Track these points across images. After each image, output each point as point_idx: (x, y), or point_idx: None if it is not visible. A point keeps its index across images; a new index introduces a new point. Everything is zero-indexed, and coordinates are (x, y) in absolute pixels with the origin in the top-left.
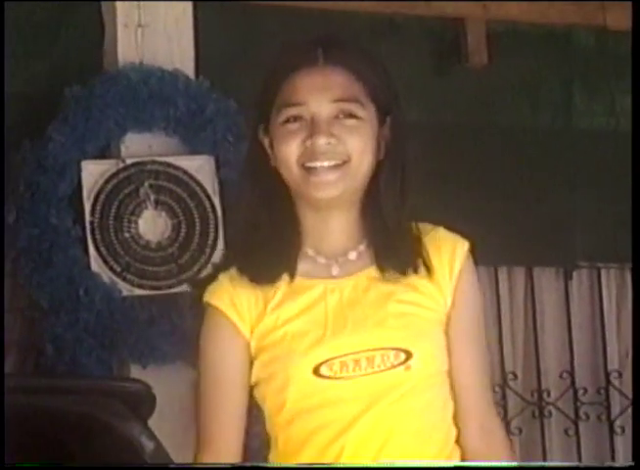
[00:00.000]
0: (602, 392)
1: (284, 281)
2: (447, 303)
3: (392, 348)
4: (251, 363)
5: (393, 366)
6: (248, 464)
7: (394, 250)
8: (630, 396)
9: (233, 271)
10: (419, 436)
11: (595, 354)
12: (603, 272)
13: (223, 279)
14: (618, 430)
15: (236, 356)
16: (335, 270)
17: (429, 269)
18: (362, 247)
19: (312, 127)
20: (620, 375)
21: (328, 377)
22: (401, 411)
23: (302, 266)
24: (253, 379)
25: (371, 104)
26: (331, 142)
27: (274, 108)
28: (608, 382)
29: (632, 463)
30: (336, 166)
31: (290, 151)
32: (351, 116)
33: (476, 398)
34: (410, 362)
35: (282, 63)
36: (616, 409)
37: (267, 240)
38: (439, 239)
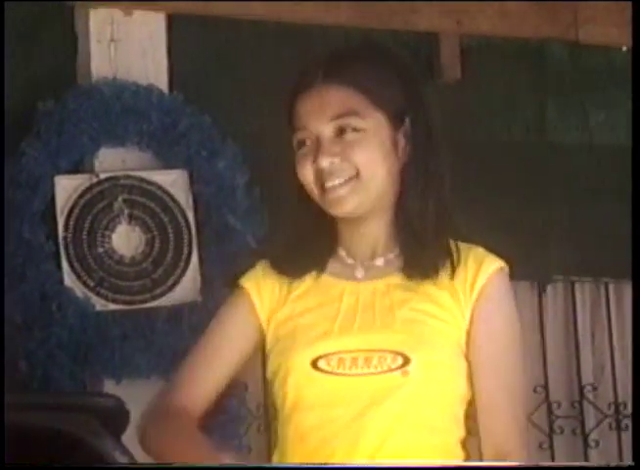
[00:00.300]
0: (576, 405)
1: (311, 277)
2: (466, 318)
3: (391, 351)
4: (259, 348)
5: (390, 370)
6: (247, 464)
7: (419, 256)
8: (605, 409)
9: (267, 262)
10: (414, 452)
11: (569, 368)
12: (577, 286)
13: (258, 266)
14: (593, 443)
15: (242, 327)
16: (359, 273)
17: (452, 283)
18: (392, 255)
19: (316, 149)
20: (595, 389)
21: (325, 371)
22: (397, 421)
23: (332, 266)
24: (269, 374)
25: (377, 112)
26: (334, 161)
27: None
28: (582, 396)
29: (632, 463)
30: (346, 182)
31: (305, 174)
32: (352, 130)
33: (491, 422)
34: (408, 368)
35: (290, 88)
36: (590, 423)
37: (302, 240)
38: (470, 255)
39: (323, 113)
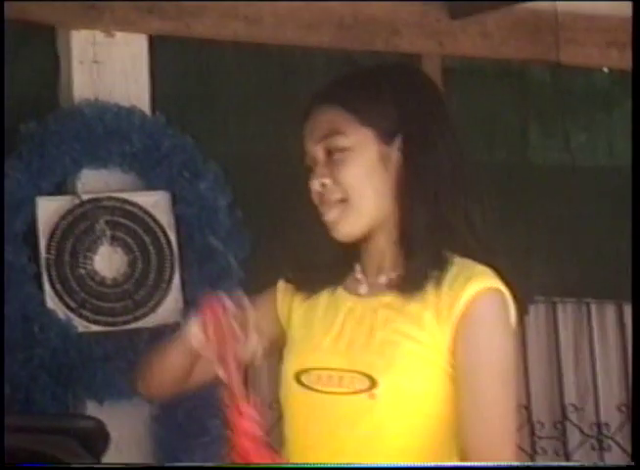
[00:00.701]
0: (558, 426)
1: (328, 290)
2: (446, 338)
3: (360, 372)
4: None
5: (358, 391)
6: (247, 465)
7: (409, 270)
8: (587, 430)
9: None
10: None
11: (552, 389)
12: (559, 306)
13: None
14: (576, 464)
15: (264, 305)
16: (362, 290)
17: (438, 300)
18: (395, 273)
19: (313, 173)
20: (577, 409)
21: (304, 385)
22: (367, 443)
23: (348, 280)
24: None
25: (364, 129)
26: (325, 183)
27: None
28: (564, 416)
29: (632, 463)
30: (336, 205)
31: (313, 198)
32: (339, 149)
33: (464, 440)
34: (375, 391)
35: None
36: (573, 444)
37: (321, 256)
38: (463, 272)
39: (313, 136)
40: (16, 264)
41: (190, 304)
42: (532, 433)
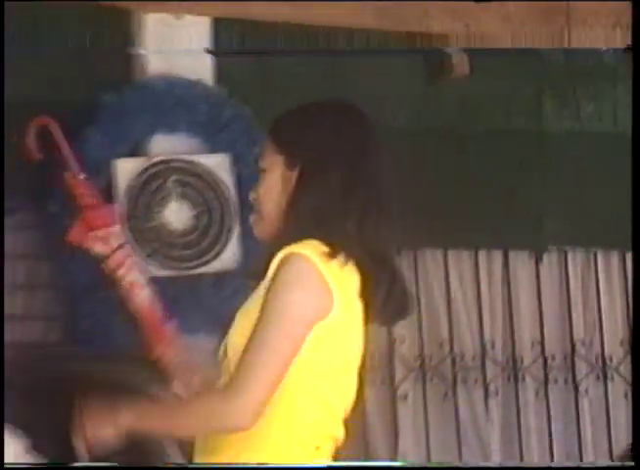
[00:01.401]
0: (568, 358)
1: None
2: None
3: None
4: None
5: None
6: (247, 465)
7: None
8: (594, 361)
9: None
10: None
11: (562, 327)
12: (570, 255)
13: None
14: (583, 391)
15: None
16: None
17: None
18: None
19: None
20: (584, 344)
21: None
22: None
23: None
24: None
25: (276, 155)
26: (254, 196)
27: None
28: (573, 350)
29: (632, 463)
30: (253, 213)
31: None
32: (260, 170)
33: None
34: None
35: None
36: (580, 374)
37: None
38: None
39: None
40: None
41: (248, 252)
42: (545, 364)
